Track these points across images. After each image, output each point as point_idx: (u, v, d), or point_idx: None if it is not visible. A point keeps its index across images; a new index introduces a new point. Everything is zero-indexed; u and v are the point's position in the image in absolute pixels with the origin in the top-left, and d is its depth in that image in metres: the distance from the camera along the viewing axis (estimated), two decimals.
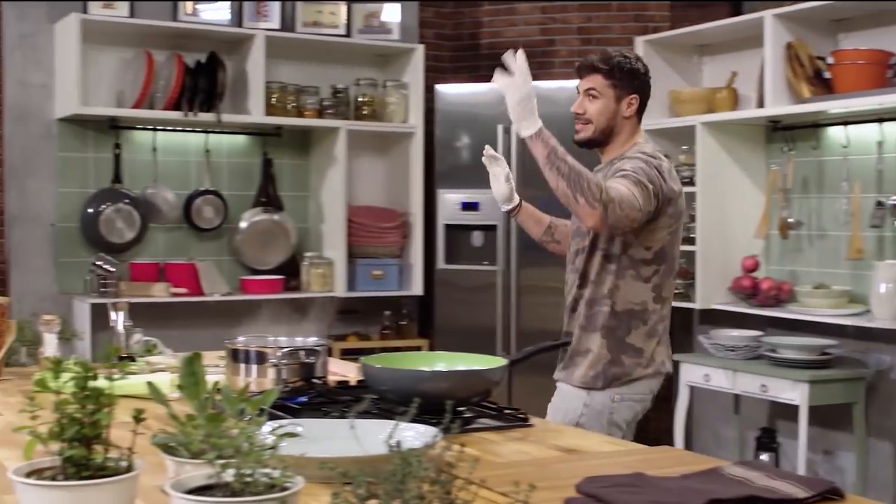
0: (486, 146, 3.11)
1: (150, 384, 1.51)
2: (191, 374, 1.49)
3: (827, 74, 4.67)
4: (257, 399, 1.50)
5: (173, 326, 5.08)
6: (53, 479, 1.33)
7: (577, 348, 2.96)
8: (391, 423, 1.94)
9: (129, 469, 1.35)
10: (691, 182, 5.22)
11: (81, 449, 1.32)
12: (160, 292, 5.06)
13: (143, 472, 1.37)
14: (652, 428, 5.90)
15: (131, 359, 3.06)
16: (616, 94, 2.93)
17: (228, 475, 1.27)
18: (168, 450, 1.50)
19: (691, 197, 5.20)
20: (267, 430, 1.49)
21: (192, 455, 1.47)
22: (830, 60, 4.67)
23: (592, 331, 2.93)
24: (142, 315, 4.34)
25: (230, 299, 5.29)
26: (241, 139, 5.55)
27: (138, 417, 1.36)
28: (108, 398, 1.33)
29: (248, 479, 1.26)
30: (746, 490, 1.61)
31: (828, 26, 4.87)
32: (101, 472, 1.34)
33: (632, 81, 2.95)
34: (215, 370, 2.59)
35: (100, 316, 4.75)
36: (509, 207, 3.12)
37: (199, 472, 1.33)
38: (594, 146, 3.01)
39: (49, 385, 1.35)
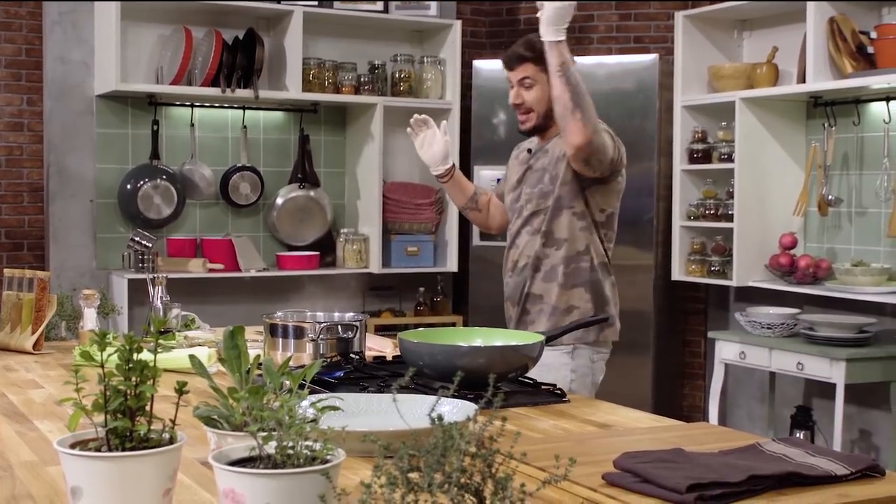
0: (414, 116, 3.19)
1: (192, 357, 1.52)
2: (234, 348, 1.51)
3: (870, 49, 4.61)
4: (298, 373, 1.51)
5: (209, 302, 5.13)
6: (98, 450, 1.34)
7: (557, 306, 2.99)
8: (429, 397, 1.95)
9: (171, 441, 1.37)
10: (730, 158, 5.18)
11: (125, 421, 1.33)
12: (197, 268, 5.10)
13: (184, 445, 1.39)
14: (685, 405, 5.89)
15: (169, 333, 3.09)
16: (549, 78, 2.89)
17: (270, 447, 1.28)
18: (210, 422, 1.51)
19: (730, 173, 5.17)
20: (307, 404, 1.50)
21: (234, 428, 1.48)
22: (873, 35, 4.61)
23: (574, 287, 2.98)
24: (178, 290, 4.39)
25: (266, 275, 5.32)
26: (277, 115, 5.57)
27: (181, 390, 1.37)
28: (153, 371, 1.34)
29: (290, 452, 1.26)
30: (787, 466, 1.60)
31: (871, 0, 4.81)
32: (145, 443, 1.35)
33: None
34: (253, 344, 2.61)
35: (137, 291, 4.80)
36: (443, 170, 3.18)
37: (240, 445, 1.34)
38: (538, 132, 3.07)
39: (94, 358, 1.36)
